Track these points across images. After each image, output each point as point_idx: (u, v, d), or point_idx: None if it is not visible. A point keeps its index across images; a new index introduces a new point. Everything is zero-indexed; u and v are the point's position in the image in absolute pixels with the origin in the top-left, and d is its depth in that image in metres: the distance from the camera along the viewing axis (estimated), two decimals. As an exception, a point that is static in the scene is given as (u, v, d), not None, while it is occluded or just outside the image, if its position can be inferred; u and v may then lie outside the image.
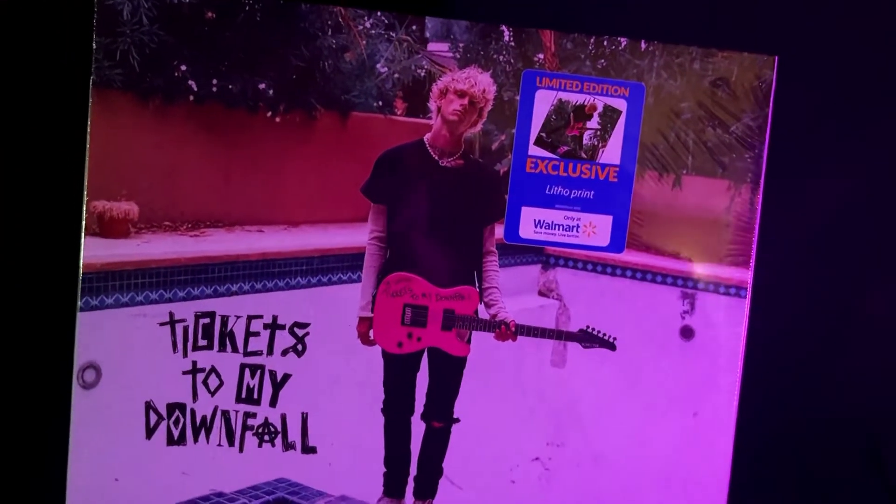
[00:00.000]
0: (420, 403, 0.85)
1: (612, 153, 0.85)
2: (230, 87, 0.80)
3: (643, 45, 0.84)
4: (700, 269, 0.87)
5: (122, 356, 0.80)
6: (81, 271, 0.79)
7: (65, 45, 0.81)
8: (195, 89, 0.79)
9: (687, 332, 0.88)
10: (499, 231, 0.84)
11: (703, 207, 0.87)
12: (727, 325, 0.88)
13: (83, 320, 0.79)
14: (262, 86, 0.80)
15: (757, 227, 0.88)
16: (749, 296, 0.88)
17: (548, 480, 0.86)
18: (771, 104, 0.86)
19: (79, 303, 0.79)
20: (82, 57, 0.78)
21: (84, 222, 0.79)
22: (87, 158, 0.78)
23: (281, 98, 0.80)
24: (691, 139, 0.85)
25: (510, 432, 0.85)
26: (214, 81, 0.79)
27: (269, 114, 0.80)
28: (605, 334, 0.86)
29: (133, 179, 0.79)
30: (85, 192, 0.78)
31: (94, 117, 0.78)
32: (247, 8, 0.79)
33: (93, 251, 0.79)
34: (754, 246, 0.88)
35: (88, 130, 0.78)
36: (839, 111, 0.90)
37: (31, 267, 0.83)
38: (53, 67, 0.82)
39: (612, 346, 0.86)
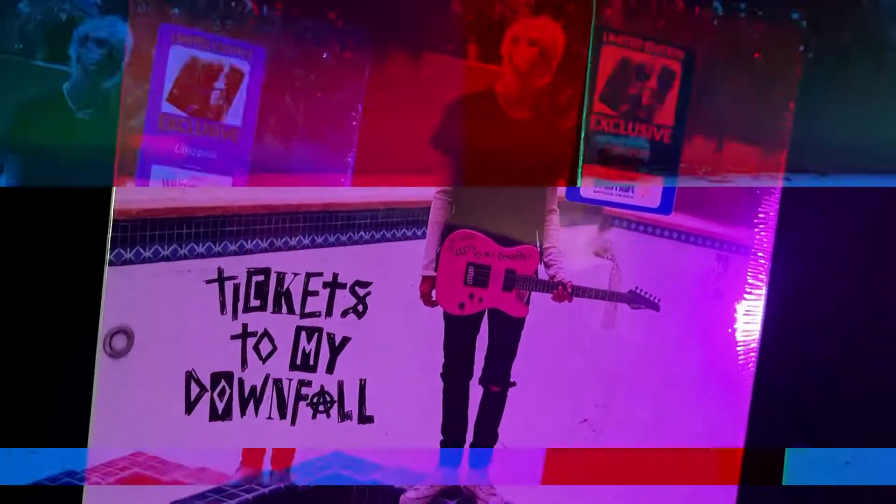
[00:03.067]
0: (478, 367, 0.81)
1: (666, 114, 0.85)
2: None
3: (696, 10, 0.85)
4: (732, 232, 0.90)
5: (160, 319, 0.69)
6: (112, 218, 0.67)
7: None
8: (255, 11, 0.69)
9: (718, 294, 0.90)
10: (560, 189, 0.82)
11: (739, 172, 0.90)
12: (748, 284, 0.92)
13: (113, 277, 0.67)
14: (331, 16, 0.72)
15: (780, 192, 0.92)
16: (770, 258, 0.92)
17: (594, 442, 0.85)
18: (798, 74, 0.91)
19: (108, 255, 0.67)
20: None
21: (117, 158, 0.66)
22: (124, 73, 0.66)
23: (351, 31, 0.73)
24: (731, 105, 0.88)
25: (560, 395, 0.84)
26: (279, 3, 0.70)
27: (338, 48, 0.72)
28: (651, 295, 0.87)
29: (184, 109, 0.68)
30: (120, 121, 0.66)
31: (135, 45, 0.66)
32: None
33: (127, 195, 0.67)
34: (776, 211, 0.92)
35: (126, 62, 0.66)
36: (864, 84, 0.96)
37: (52, 212, 0.68)
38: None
39: (656, 307, 0.87)
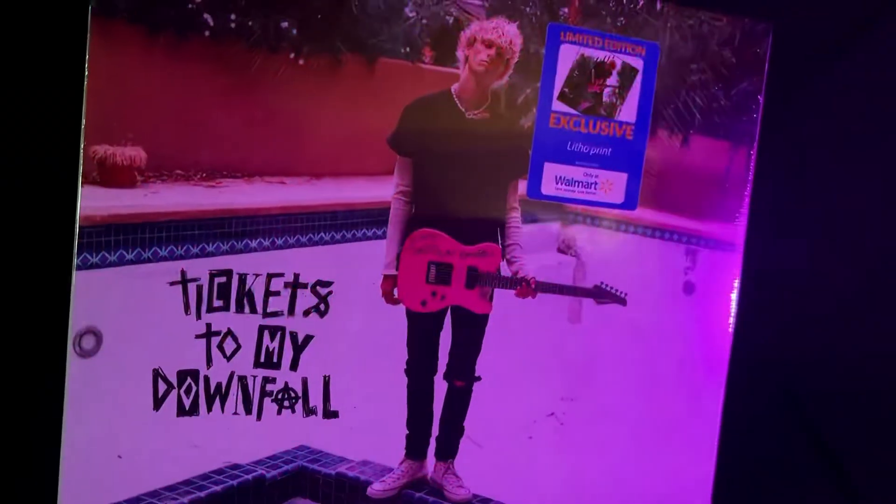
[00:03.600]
0: (442, 363, 0.83)
1: (628, 111, 0.86)
2: (250, 23, 0.73)
3: (658, 5, 0.86)
4: (701, 227, 0.90)
5: (127, 320, 0.72)
6: (79, 224, 0.70)
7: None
8: (211, 24, 0.72)
9: (688, 288, 0.91)
10: (521, 187, 0.83)
11: (706, 167, 0.90)
12: (722, 278, 0.92)
13: (81, 280, 0.70)
14: (284, 24, 0.74)
15: (750, 186, 0.92)
16: (742, 251, 0.92)
17: (562, 435, 0.87)
18: (766, 70, 0.91)
19: (75, 260, 0.70)
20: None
21: (81, 168, 0.69)
22: (84, 97, 0.69)
23: (305, 39, 0.75)
24: (699, 100, 0.88)
25: (527, 389, 0.85)
26: (233, 16, 0.73)
27: (293, 55, 0.74)
28: (617, 290, 0.87)
29: (140, 122, 0.71)
30: (82, 135, 0.69)
31: (94, 50, 0.69)
32: (270, -62, 0.73)
33: (92, 202, 0.70)
34: (746, 204, 0.92)
35: (87, 65, 0.69)
36: (835, 74, 0.96)
37: (22, 220, 0.72)
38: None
39: (623, 302, 0.88)
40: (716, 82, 0.88)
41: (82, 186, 0.70)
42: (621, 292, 0.88)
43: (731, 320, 0.92)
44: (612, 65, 0.85)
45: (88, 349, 0.71)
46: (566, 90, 0.83)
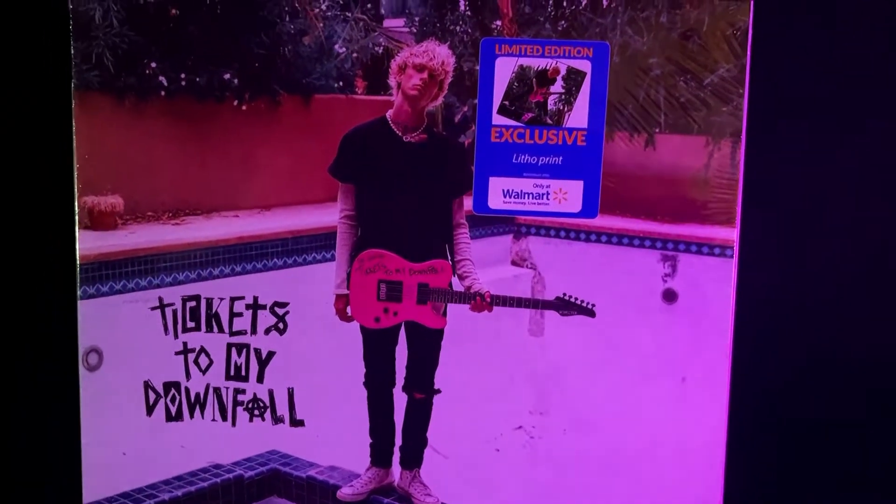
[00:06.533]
0: (401, 375, 0.87)
1: (578, 116, 0.83)
2: (197, 79, 0.83)
3: (605, 3, 0.82)
4: (680, 230, 0.84)
5: (120, 340, 0.85)
6: (79, 263, 0.85)
7: (46, 52, 0.87)
8: (165, 84, 0.83)
9: (669, 296, 0.85)
10: (468, 203, 0.84)
11: (680, 166, 0.84)
12: (713, 285, 0.85)
13: (83, 308, 0.85)
14: (227, 76, 0.83)
15: (741, 182, 0.84)
16: (736, 255, 0.85)
17: (533, 448, 0.86)
18: (749, 52, 0.82)
19: (78, 292, 0.85)
20: (62, 63, 0.83)
21: (77, 217, 0.84)
22: (74, 158, 0.84)
23: (246, 86, 0.83)
24: (662, 96, 0.82)
25: (492, 401, 0.86)
26: (183, 75, 0.83)
27: (236, 102, 0.83)
28: (583, 301, 0.85)
29: (116, 174, 0.84)
30: (76, 189, 0.84)
31: (78, 119, 0.83)
32: (207, 2, 0.82)
33: (86, 243, 0.85)
34: (739, 203, 0.84)
35: (74, 132, 0.83)
36: (821, 57, 0.84)
37: (31, 261, 0.90)
38: (35, 76, 0.88)
39: (591, 313, 0.85)
40: (681, 74, 0.82)
41: (78, 231, 0.85)
42: (589, 303, 0.85)
43: (729, 325, 0.85)
44: (556, 71, 0.83)
45: (94, 364, 0.86)
46: (506, 103, 0.83)
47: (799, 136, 0.87)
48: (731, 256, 0.84)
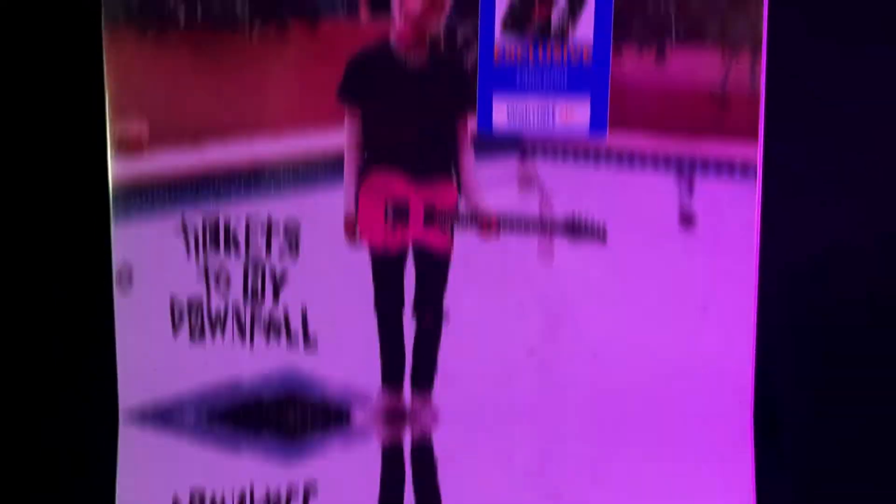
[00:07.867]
0: (410, 298, 0.87)
1: (584, 31, 0.80)
2: (212, 10, 0.86)
3: None
4: (697, 149, 0.80)
5: (149, 260, 0.90)
6: (112, 186, 0.90)
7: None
8: (183, 17, 0.86)
9: (686, 220, 0.82)
10: (472, 124, 0.84)
11: (694, 80, 0.80)
12: (734, 207, 0.81)
13: (116, 230, 0.90)
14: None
15: (763, 96, 0.79)
16: (759, 174, 0.80)
17: (547, 373, 0.85)
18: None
19: (112, 215, 0.90)
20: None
21: (109, 143, 0.89)
22: (106, 89, 0.88)
23: (256, 13, 0.85)
24: (672, 6, 0.78)
25: (503, 327, 0.85)
26: (198, 8, 0.86)
27: (248, 31, 0.85)
28: (593, 223, 0.83)
29: (143, 104, 0.88)
30: (108, 117, 0.89)
31: (108, 52, 0.88)
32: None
33: (116, 168, 0.90)
34: (761, 119, 0.79)
35: (105, 65, 0.88)
36: None
37: (66, 186, 0.96)
38: (69, 12, 0.93)
39: (601, 236, 0.83)
40: (695, -19, 0.78)
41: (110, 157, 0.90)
42: (599, 225, 0.83)
43: (753, 251, 0.81)
44: (561, -16, 0.80)
45: (126, 283, 0.91)
46: (508, 22, 0.82)
47: (827, 47, 0.80)
48: (755, 177, 0.80)
